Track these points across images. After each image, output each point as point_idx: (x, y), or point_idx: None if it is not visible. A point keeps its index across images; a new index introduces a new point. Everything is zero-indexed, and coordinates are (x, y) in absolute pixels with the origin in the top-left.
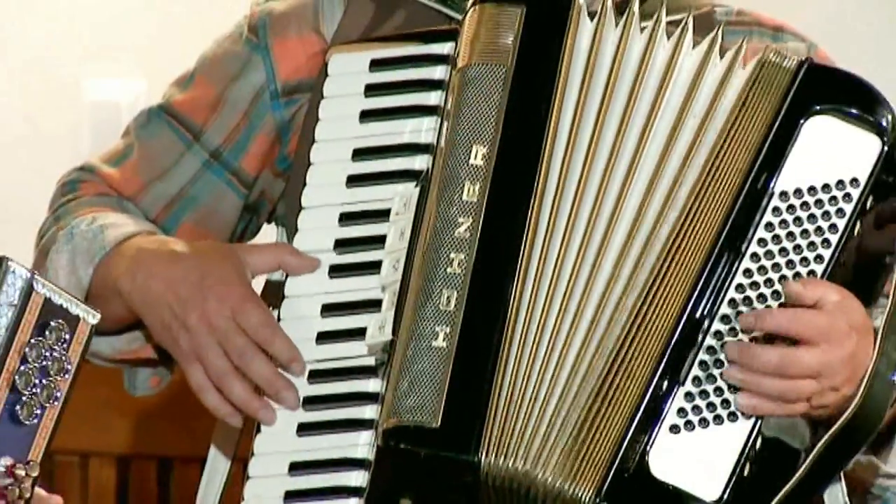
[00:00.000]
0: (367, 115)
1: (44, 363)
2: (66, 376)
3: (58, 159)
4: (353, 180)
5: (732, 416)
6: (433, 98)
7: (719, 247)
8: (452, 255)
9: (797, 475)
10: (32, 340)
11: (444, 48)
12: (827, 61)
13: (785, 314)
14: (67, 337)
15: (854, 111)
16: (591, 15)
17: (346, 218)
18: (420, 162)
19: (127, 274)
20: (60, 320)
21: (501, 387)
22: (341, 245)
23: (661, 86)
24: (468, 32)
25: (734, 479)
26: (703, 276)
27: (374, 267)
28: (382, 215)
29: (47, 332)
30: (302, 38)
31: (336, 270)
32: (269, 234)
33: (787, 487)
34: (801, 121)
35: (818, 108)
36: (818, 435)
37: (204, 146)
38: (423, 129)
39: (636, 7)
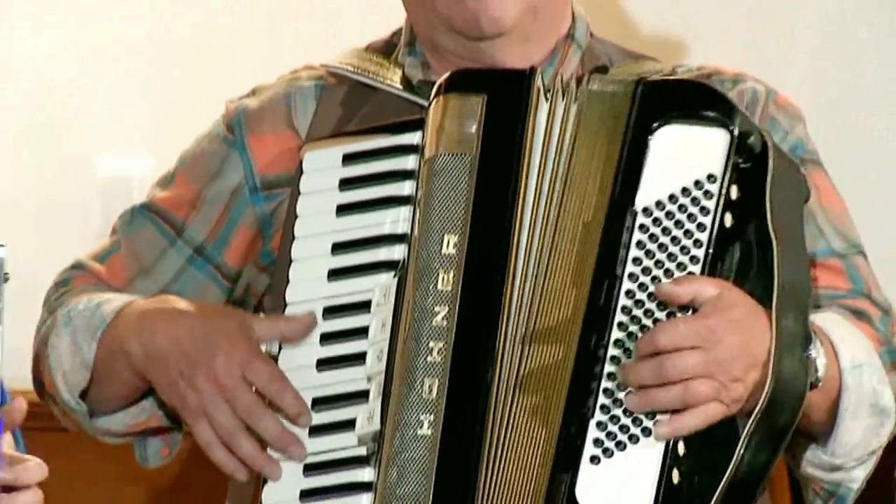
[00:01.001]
0: (343, 210)
1: None
2: None
3: (70, 231)
4: (334, 274)
5: (646, 431)
6: (406, 188)
7: (596, 276)
8: (432, 344)
9: (729, 468)
10: None
11: (414, 138)
12: (789, 107)
13: (655, 333)
14: None
15: (694, 112)
16: (546, 94)
17: (330, 312)
18: (397, 252)
19: (133, 335)
20: None
21: (487, 470)
22: (326, 338)
23: (554, 144)
24: (433, 123)
25: (662, 490)
26: (588, 308)
27: (359, 358)
28: (364, 307)
29: None
30: (277, 134)
31: (323, 364)
32: None
33: (723, 482)
34: (648, 136)
35: (660, 119)
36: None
37: (187, 241)
38: (398, 220)
39: (572, 83)
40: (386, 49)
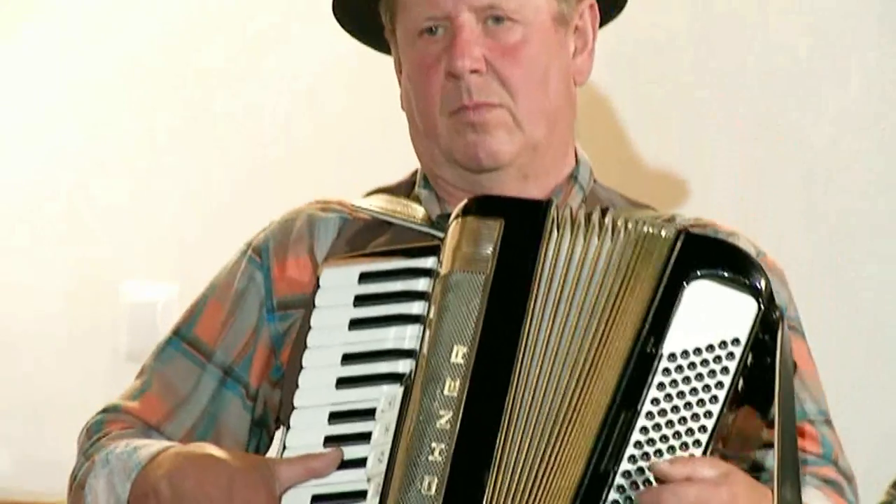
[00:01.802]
0: (355, 324)
1: None
2: None
3: (97, 355)
4: (343, 383)
5: None
6: (417, 308)
7: (616, 406)
8: (434, 445)
9: None
10: None
11: (427, 262)
12: (775, 269)
13: (655, 492)
14: None
15: (730, 275)
16: (559, 225)
17: (336, 417)
18: (404, 366)
19: (165, 477)
20: None
21: None
22: (331, 441)
23: (574, 274)
24: (451, 242)
25: None
26: (604, 434)
27: (360, 462)
28: (369, 414)
29: None
30: (297, 260)
31: None
32: None
33: None
34: (683, 286)
35: (697, 273)
36: None
37: (217, 364)
38: (408, 336)
39: (581, 215)
40: (407, 187)
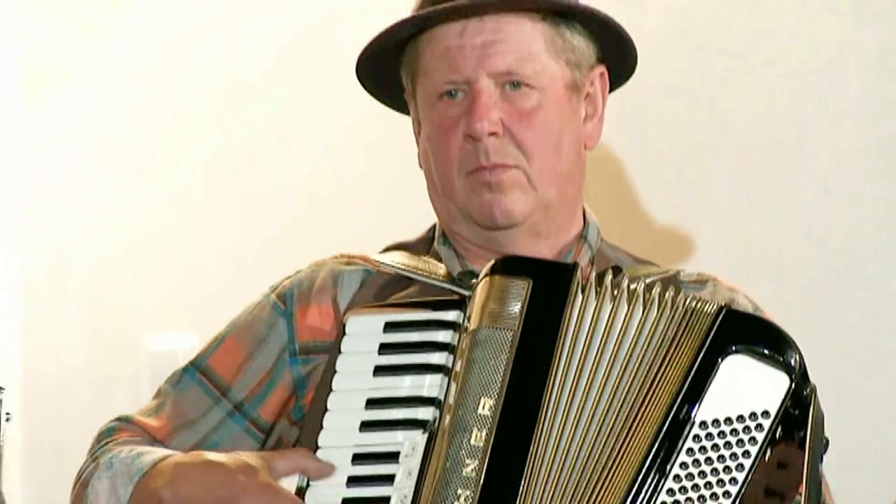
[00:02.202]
0: (379, 371)
1: None
2: None
3: (120, 402)
4: (366, 426)
5: None
6: (439, 358)
7: (646, 467)
8: (459, 491)
9: None
10: None
11: (450, 315)
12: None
13: None
14: None
15: (766, 351)
16: (583, 288)
17: (358, 458)
18: (425, 413)
19: (168, 484)
20: None
21: None
22: (353, 481)
23: (613, 339)
24: (479, 299)
25: None
26: (633, 493)
27: (384, 501)
28: (392, 457)
29: None
30: (321, 307)
31: (348, 503)
32: None
33: None
34: (720, 359)
35: (734, 347)
36: None
37: (230, 400)
38: (430, 385)
39: (608, 280)
40: (426, 243)
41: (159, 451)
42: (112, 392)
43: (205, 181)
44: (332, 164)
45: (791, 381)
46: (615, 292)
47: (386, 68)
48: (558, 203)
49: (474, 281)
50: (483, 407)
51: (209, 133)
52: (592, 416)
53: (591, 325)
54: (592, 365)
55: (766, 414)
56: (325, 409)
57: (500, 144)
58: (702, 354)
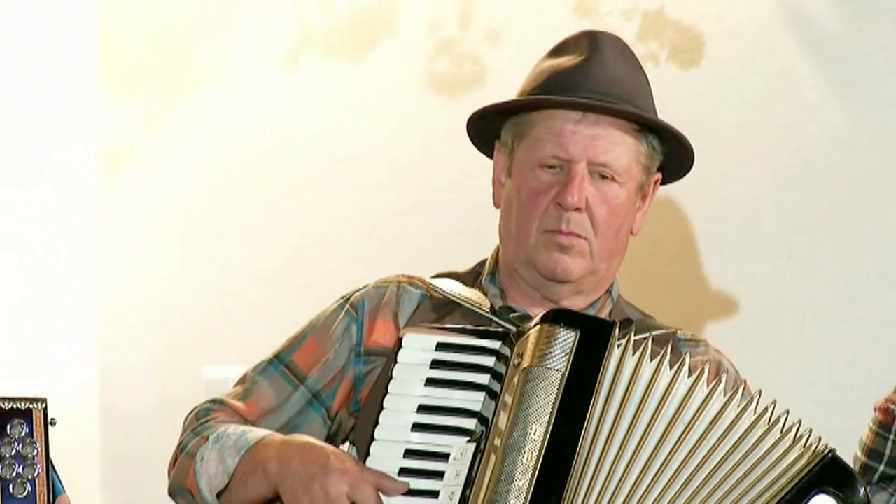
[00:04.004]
0: (430, 382)
1: (16, 451)
2: (37, 454)
3: (182, 420)
4: (417, 427)
5: None
6: (483, 379)
7: None
8: (511, 501)
9: None
10: (2, 441)
11: (495, 344)
12: (751, 391)
13: None
14: (27, 428)
15: (846, 496)
16: (619, 343)
17: (409, 454)
18: (470, 423)
19: (275, 457)
20: (16, 419)
21: None
22: (404, 472)
23: (662, 403)
24: (533, 341)
25: None
26: None
27: (433, 495)
28: (442, 457)
29: (10, 429)
30: (385, 320)
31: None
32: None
33: None
34: (813, 493)
35: (825, 487)
36: None
37: (308, 388)
38: (472, 400)
39: (633, 336)
40: (473, 275)
41: (263, 430)
42: (173, 417)
43: (248, 257)
44: (370, 209)
45: None
46: (663, 358)
47: (493, 121)
48: (604, 273)
49: (527, 325)
50: (535, 432)
51: (263, 201)
52: (624, 449)
53: (631, 377)
54: (622, 408)
55: None
56: (381, 408)
57: (580, 218)
58: (799, 484)
